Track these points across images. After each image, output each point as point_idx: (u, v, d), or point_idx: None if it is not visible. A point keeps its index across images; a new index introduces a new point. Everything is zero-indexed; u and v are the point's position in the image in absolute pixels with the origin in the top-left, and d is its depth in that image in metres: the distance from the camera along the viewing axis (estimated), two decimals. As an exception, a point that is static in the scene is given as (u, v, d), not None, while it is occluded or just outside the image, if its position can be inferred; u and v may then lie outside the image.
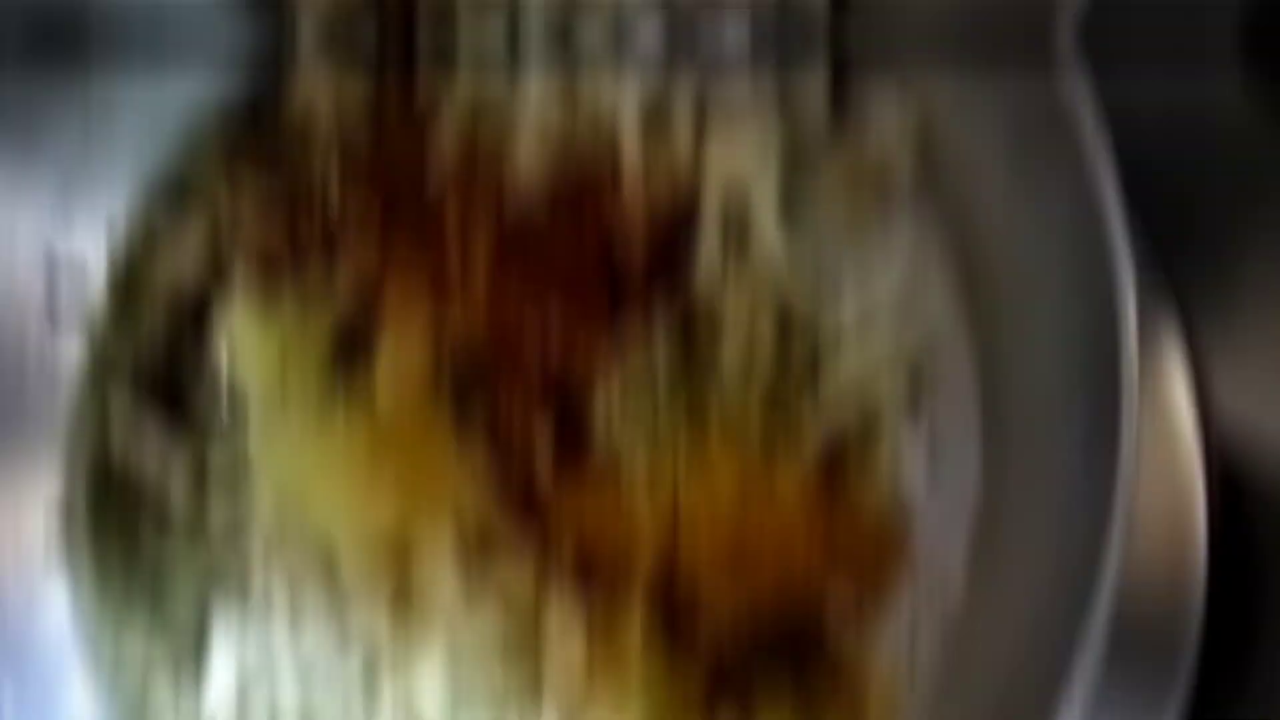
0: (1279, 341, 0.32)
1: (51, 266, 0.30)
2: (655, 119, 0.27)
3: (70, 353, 0.30)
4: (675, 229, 0.27)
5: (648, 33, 0.27)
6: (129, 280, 0.30)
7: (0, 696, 0.29)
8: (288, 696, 0.29)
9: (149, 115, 0.30)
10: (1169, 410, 0.31)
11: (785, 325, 0.27)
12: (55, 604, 0.31)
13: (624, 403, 0.26)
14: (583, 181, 0.27)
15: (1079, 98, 0.23)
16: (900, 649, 0.27)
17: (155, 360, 0.30)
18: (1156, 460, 0.31)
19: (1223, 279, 0.32)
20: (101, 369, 0.30)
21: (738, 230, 0.27)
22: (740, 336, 0.27)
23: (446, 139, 0.27)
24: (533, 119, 0.27)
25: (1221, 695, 0.31)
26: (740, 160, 0.26)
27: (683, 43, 0.26)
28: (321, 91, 0.29)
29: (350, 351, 0.28)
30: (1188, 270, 0.32)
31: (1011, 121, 0.24)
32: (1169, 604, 0.31)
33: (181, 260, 0.29)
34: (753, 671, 0.27)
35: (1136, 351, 0.23)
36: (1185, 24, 0.31)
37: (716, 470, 0.26)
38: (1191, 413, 0.31)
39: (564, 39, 0.28)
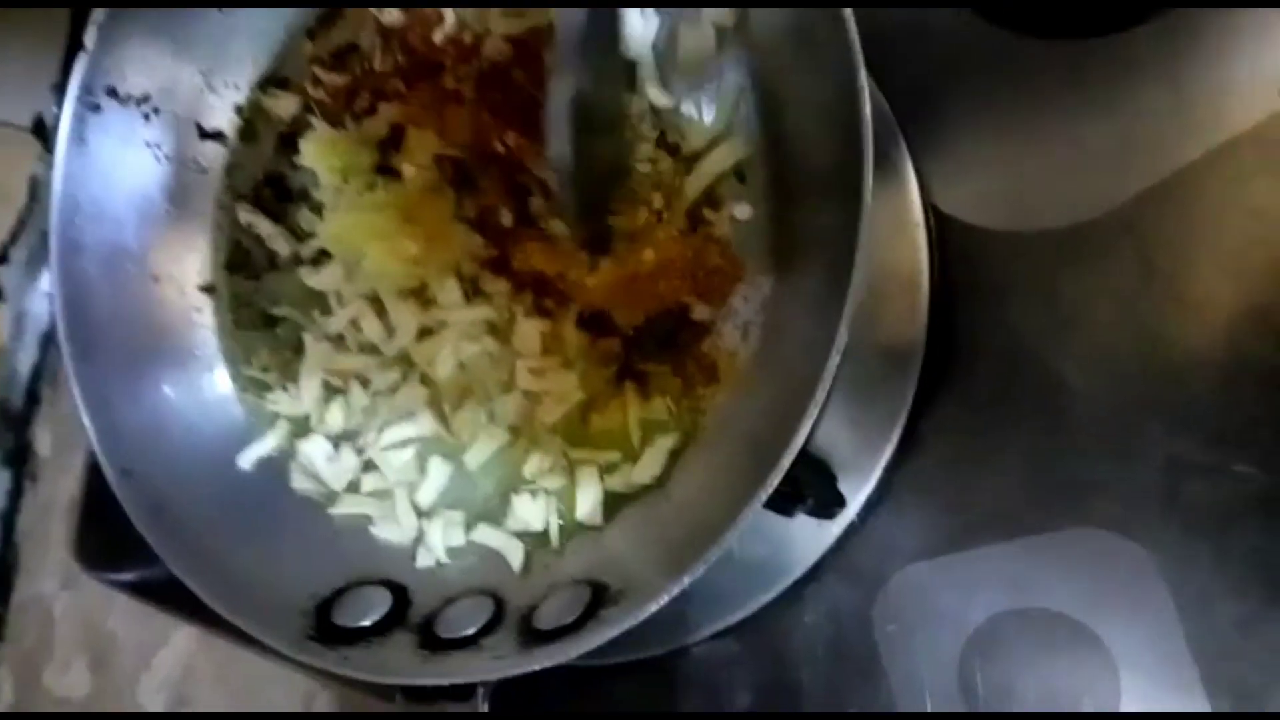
0: (963, 158, 0.47)
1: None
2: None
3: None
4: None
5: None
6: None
7: (164, 392, 0.44)
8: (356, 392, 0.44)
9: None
10: (906, 199, 0.46)
11: (664, 140, 0.42)
12: (205, 324, 0.45)
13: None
14: (531, 46, 0.40)
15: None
16: (736, 334, 0.41)
17: (268, 169, 0.44)
18: (897, 210, 0.46)
19: (935, 120, 0.47)
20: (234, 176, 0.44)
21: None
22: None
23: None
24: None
25: (941, 360, 0.46)
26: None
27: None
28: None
29: (386, 159, 0.42)
30: (906, 97, 0.46)
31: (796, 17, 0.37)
32: (909, 300, 0.46)
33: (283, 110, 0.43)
34: (647, 355, 0.42)
35: (870, 141, 0.32)
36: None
37: (622, 229, 0.41)
38: (916, 182, 0.46)
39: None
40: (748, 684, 0.47)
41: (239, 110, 0.48)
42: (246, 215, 0.47)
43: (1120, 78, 0.45)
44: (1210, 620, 0.42)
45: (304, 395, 0.44)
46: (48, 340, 0.68)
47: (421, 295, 0.42)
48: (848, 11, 0.33)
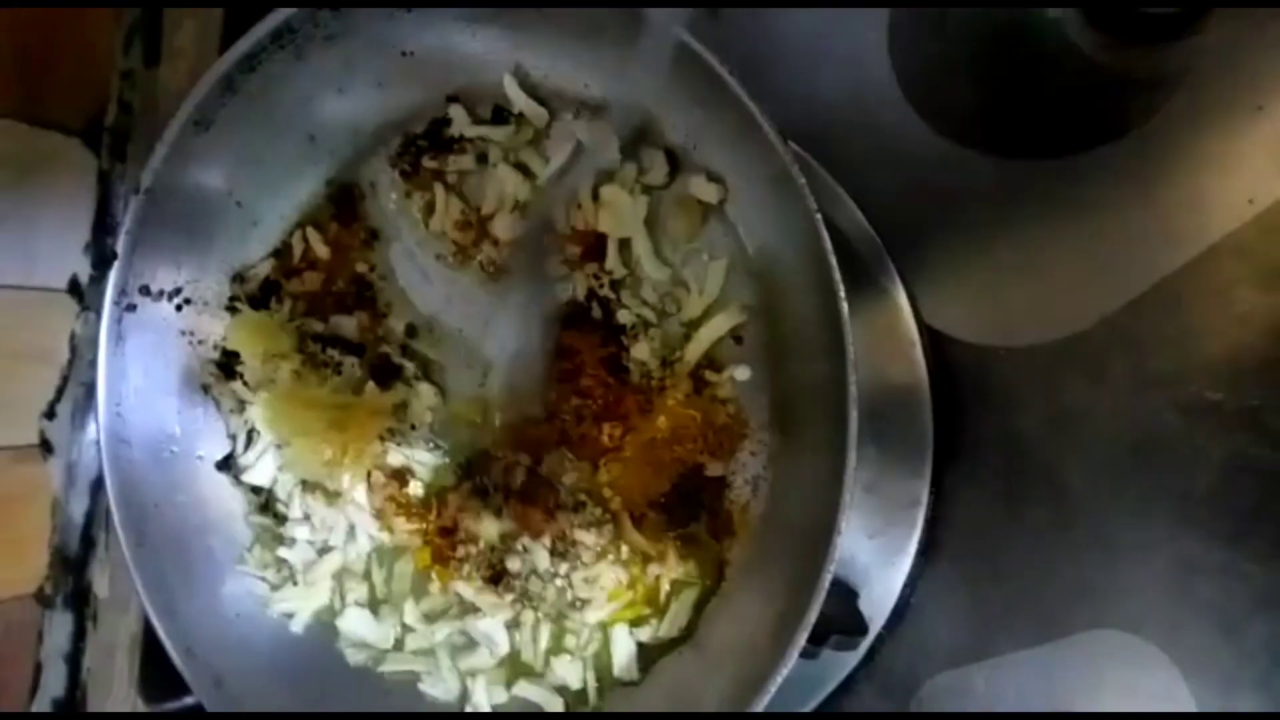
0: (952, 277, 0.49)
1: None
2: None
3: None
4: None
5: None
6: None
7: (217, 570, 0.47)
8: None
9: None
10: (901, 322, 0.48)
11: (663, 310, 0.44)
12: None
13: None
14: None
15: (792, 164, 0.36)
16: (747, 489, 0.44)
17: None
18: (893, 333, 0.48)
19: (922, 244, 0.49)
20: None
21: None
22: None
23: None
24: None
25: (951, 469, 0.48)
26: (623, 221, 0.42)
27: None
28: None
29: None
30: (894, 225, 0.48)
31: (763, 181, 0.39)
32: (914, 414, 0.48)
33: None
34: (681, 519, 0.44)
35: (844, 297, 0.35)
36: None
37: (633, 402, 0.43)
38: (909, 304, 0.48)
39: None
40: (790, 802, 0.49)
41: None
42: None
43: (1098, 193, 0.47)
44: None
45: (316, 592, 0.47)
46: (98, 487, 0.71)
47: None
48: (809, 199, 0.35)
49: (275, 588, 0.48)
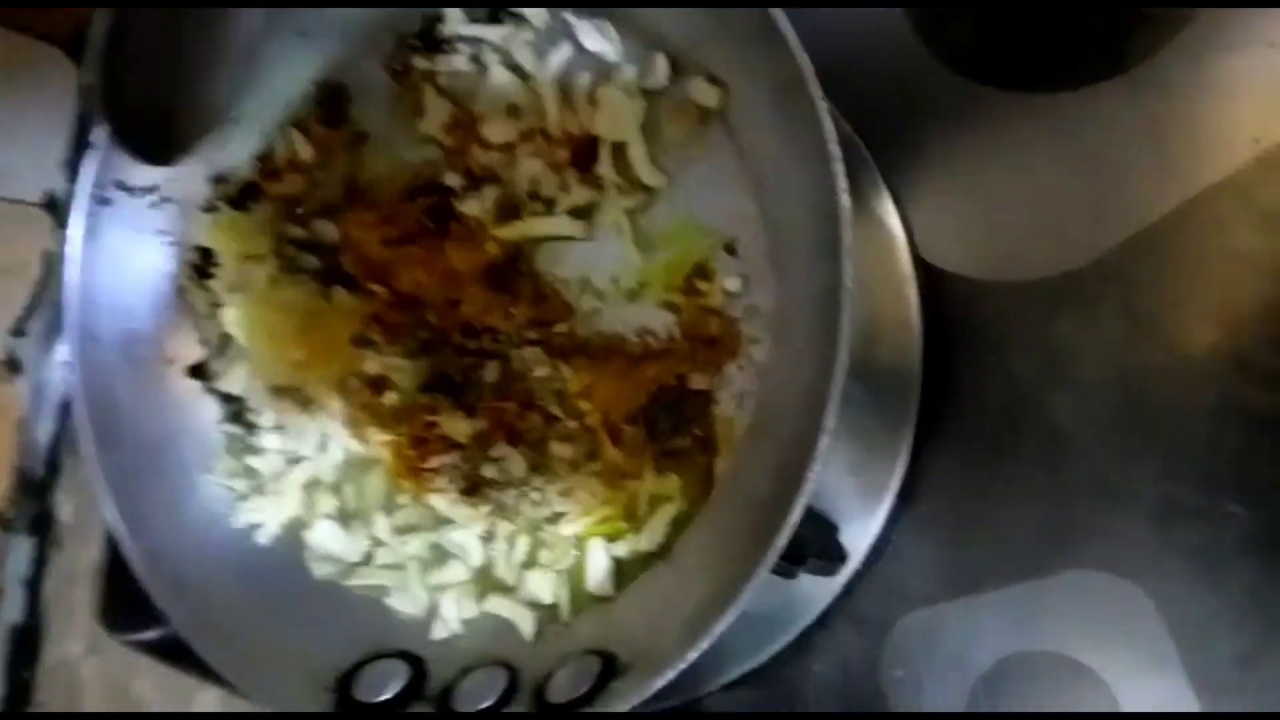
0: (946, 209, 0.48)
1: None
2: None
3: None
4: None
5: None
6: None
7: (185, 474, 0.45)
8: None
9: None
10: (889, 235, 0.48)
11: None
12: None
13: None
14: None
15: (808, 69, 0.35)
16: (732, 403, 0.42)
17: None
18: (885, 263, 0.47)
19: (920, 173, 0.48)
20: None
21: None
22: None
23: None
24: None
25: (937, 407, 0.47)
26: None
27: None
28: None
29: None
30: (890, 153, 0.48)
31: (769, 85, 0.38)
32: (903, 349, 0.47)
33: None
34: (663, 433, 0.42)
35: (848, 199, 0.33)
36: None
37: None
38: (903, 234, 0.47)
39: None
40: (761, 734, 0.48)
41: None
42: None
43: (1097, 129, 0.46)
44: (1210, 657, 0.43)
45: (285, 504, 0.46)
46: (66, 410, 0.70)
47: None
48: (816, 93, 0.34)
49: (243, 497, 0.47)
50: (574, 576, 0.41)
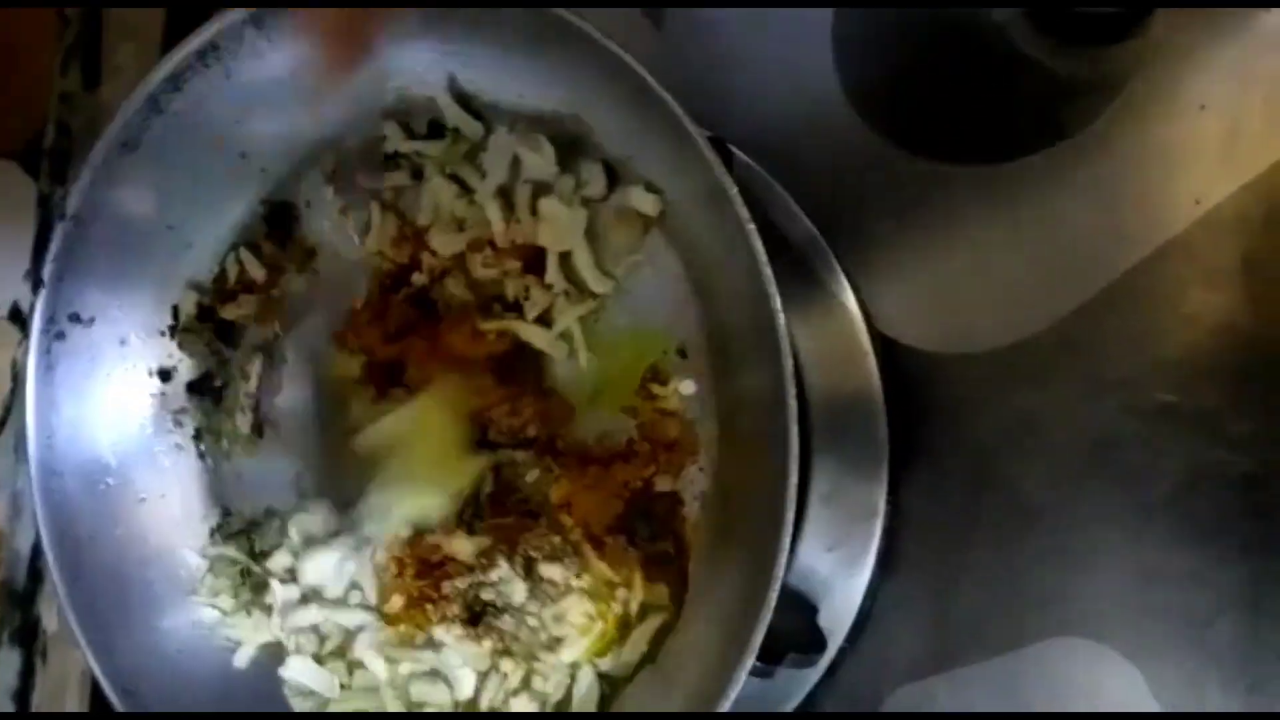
0: (901, 284, 0.48)
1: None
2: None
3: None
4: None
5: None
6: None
7: (156, 607, 0.45)
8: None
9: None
10: (852, 329, 0.48)
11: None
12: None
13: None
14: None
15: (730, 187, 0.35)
16: (695, 504, 0.42)
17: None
18: (845, 340, 0.47)
19: (871, 250, 0.48)
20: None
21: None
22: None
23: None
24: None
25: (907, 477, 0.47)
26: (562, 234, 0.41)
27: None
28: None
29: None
30: (840, 231, 0.48)
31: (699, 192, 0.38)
32: (869, 421, 0.47)
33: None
34: (643, 540, 0.42)
35: (779, 307, 0.34)
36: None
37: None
38: (859, 311, 0.47)
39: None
40: (752, 825, 0.48)
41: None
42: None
43: (1043, 197, 0.46)
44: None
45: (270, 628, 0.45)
46: (45, 518, 0.69)
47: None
48: (741, 209, 0.34)
49: (226, 614, 0.47)
50: (560, 705, 0.41)
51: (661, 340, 0.42)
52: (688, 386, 0.41)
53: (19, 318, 0.68)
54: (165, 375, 0.49)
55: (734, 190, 0.33)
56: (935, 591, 0.47)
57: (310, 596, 0.45)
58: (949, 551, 0.47)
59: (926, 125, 0.48)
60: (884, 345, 0.48)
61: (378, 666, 0.43)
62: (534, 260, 0.43)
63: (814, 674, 0.48)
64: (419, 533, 0.43)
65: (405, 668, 0.44)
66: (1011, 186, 0.47)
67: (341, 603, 0.45)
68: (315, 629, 0.45)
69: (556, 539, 0.41)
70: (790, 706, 0.48)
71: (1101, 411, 0.45)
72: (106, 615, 0.45)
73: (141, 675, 0.44)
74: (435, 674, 0.44)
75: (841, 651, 0.48)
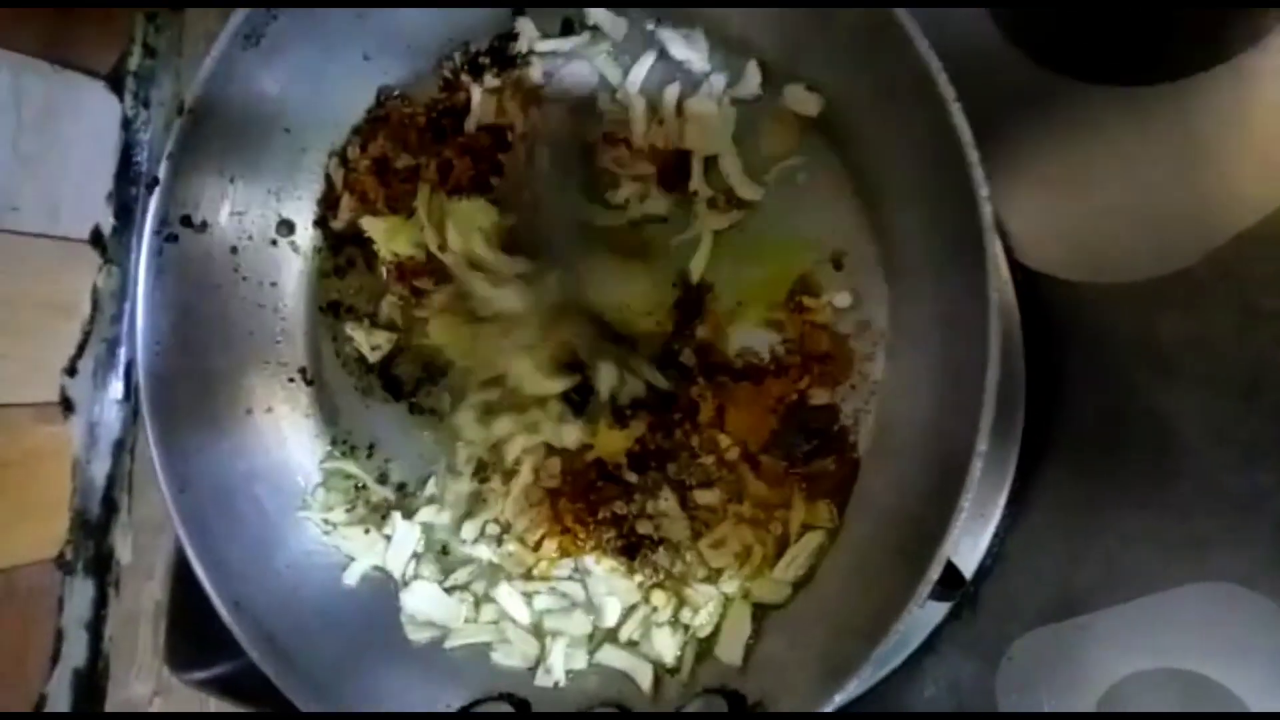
0: (1045, 211, 0.46)
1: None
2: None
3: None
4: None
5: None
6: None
7: (266, 520, 0.44)
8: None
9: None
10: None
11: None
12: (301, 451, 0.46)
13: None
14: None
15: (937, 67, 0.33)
16: (849, 419, 0.40)
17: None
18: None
19: (1013, 176, 0.46)
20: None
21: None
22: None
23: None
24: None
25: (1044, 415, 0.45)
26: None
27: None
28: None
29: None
30: (992, 175, 0.45)
31: (882, 95, 0.36)
32: (1005, 356, 0.42)
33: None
34: (801, 457, 0.41)
35: (989, 199, 0.31)
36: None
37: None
38: (1004, 258, 0.45)
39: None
40: (871, 763, 0.46)
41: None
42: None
43: (1201, 122, 0.44)
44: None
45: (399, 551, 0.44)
46: (119, 448, 0.68)
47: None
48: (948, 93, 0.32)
49: (338, 527, 0.45)
50: (706, 642, 0.39)
51: (813, 250, 0.39)
52: (843, 299, 0.39)
53: (100, 241, 0.67)
54: (274, 284, 0.47)
55: (941, 72, 0.30)
56: (1070, 534, 0.45)
57: (433, 530, 0.44)
58: (1086, 491, 0.45)
59: (1076, 44, 0.46)
60: (1024, 275, 0.46)
61: (513, 602, 0.41)
62: (673, 168, 0.41)
63: (936, 613, 0.46)
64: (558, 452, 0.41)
65: (542, 601, 0.42)
66: (1166, 110, 0.44)
67: (475, 538, 0.43)
68: (440, 559, 0.43)
69: (710, 460, 0.39)
70: (914, 646, 0.46)
71: (1255, 346, 0.43)
72: (214, 527, 0.44)
73: (250, 589, 0.43)
74: (572, 605, 0.42)
75: (965, 595, 0.46)
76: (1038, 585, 0.45)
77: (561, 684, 0.40)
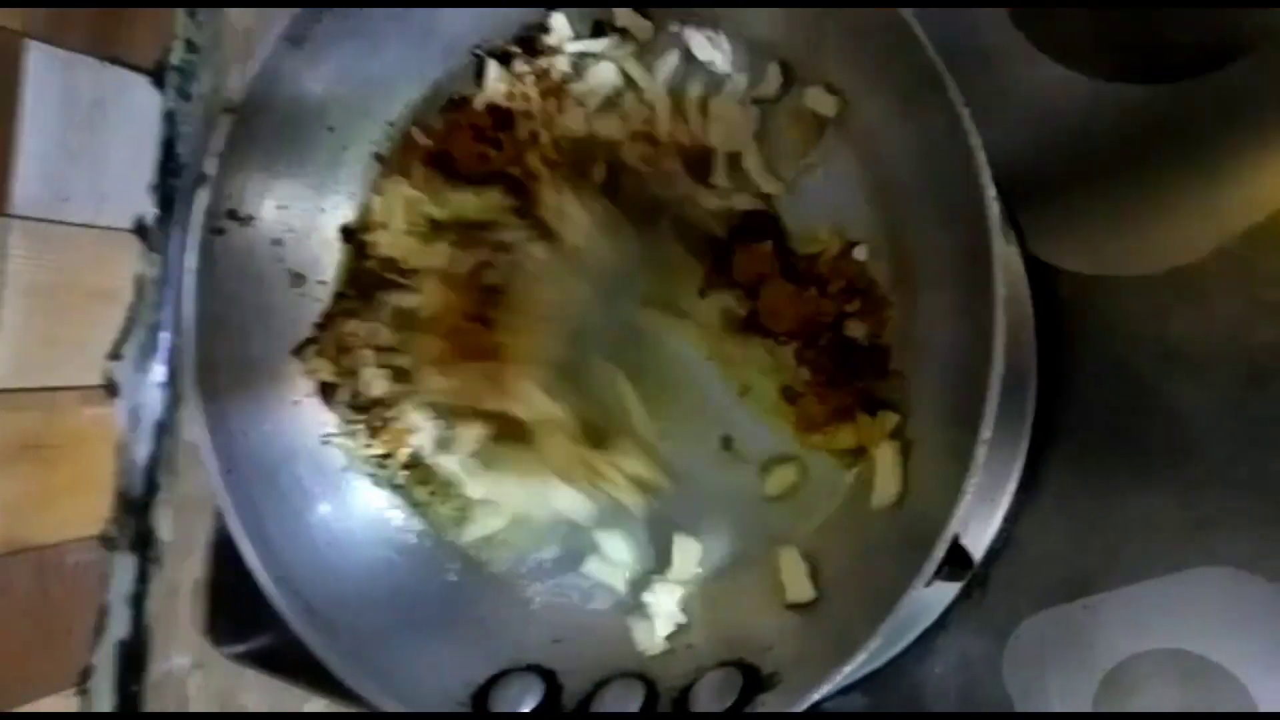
0: (1056, 205, 0.47)
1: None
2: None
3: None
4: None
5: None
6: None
7: (309, 496, 0.46)
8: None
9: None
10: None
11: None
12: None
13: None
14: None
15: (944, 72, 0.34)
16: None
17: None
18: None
19: (1022, 171, 0.47)
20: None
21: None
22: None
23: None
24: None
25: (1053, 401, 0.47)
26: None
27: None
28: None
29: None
30: (1003, 170, 0.45)
31: (895, 92, 0.37)
32: (1016, 345, 0.46)
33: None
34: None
35: (998, 224, 0.32)
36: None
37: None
38: (1017, 250, 0.46)
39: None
40: (879, 740, 0.48)
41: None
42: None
43: (1213, 118, 0.45)
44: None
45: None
46: (160, 430, 0.71)
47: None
48: (956, 97, 0.33)
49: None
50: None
51: (828, 241, 0.41)
52: (862, 252, 0.40)
53: (143, 231, 0.69)
54: (315, 276, 0.49)
55: (948, 77, 0.32)
56: (1079, 516, 0.47)
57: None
58: (1096, 475, 0.46)
59: (1091, 42, 0.47)
60: (1035, 267, 0.47)
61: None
62: (697, 163, 0.42)
63: (948, 593, 0.47)
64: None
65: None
66: (1178, 106, 0.45)
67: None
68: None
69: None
70: (924, 624, 0.48)
71: (1263, 338, 0.44)
72: (260, 505, 0.46)
73: (294, 564, 0.45)
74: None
75: (975, 575, 0.47)
76: (1046, 567, 0.47)
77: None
